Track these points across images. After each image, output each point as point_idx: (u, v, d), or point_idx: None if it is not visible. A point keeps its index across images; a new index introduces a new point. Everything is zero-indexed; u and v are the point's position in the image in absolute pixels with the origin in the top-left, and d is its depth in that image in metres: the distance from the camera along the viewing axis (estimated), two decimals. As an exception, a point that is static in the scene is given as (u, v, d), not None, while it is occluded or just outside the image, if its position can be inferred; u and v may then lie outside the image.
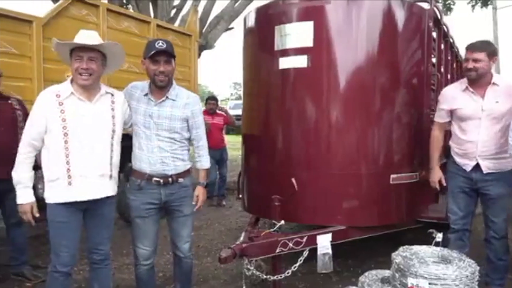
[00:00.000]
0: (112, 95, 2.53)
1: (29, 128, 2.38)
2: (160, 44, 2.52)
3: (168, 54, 2.55)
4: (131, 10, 7.99)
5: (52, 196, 2.39)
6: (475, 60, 2.95)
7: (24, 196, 2.38)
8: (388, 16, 3.42)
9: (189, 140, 2.74)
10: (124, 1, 8.93)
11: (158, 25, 5.16)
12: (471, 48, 3.01)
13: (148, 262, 2.69)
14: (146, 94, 2.60)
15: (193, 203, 2.78)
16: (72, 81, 2.41)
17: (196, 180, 2.84)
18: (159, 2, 8.45)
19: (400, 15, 3.46)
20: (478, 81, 3.00)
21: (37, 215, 2.41)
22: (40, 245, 4.15)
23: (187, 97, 2.69)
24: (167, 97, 2.60)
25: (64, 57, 2.44)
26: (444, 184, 3.28)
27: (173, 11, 9.11)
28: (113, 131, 2.47)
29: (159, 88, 2.58)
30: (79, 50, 2.35)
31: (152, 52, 2.52)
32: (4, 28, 3.54)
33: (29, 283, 3.43)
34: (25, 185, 2.37)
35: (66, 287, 2.45)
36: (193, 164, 2.83)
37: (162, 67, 2.53)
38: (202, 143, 2.77)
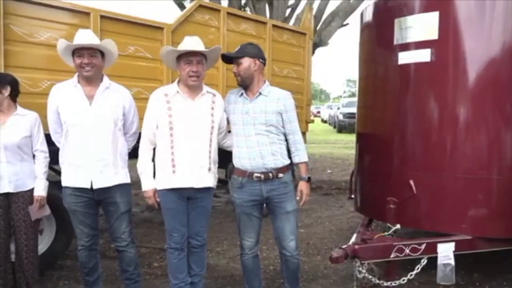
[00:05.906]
0: (214, 95, 2.77)
1: (146, 125, 2.71)
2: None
3: (237, 57, 2.74)
4: (248, 12, 8.34)
5: (160, 182, 2.68)
6: None
7: (148, 183, 2.71)
8: (532, 0, 3.01)
9: (285, 135, 2.80)
10: (242, 3, 9.34)
11: (273, 25, 5.28)
12: None
13: (252, 251, 2.86)
14: (241, 95, 2.79)
15: (297, 198, 2.83)
16: (179, 82, 2.70)
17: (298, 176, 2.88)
18: (274, 2, 8.66)
19: (547, -1, 3.02)
20: None
21: (159, 199, 2.71)
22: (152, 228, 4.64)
23: (279, 92, 2.82)
24: (260, 93, 2.75)
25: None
26: None
27: (288, 11, 9.25)
28: (212, 127, 2.70)
29: (244, 87, 2.75)
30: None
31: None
32: (140, 35, 3.97)
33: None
34: (147, 174, 2.70)
35: (181, 259, 2.74)
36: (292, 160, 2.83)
37: (235, 68, 2.75)
38: (297, 137, 2.82)
